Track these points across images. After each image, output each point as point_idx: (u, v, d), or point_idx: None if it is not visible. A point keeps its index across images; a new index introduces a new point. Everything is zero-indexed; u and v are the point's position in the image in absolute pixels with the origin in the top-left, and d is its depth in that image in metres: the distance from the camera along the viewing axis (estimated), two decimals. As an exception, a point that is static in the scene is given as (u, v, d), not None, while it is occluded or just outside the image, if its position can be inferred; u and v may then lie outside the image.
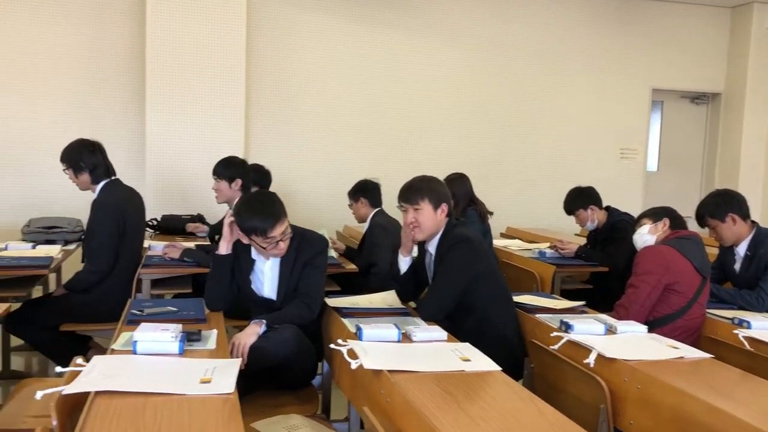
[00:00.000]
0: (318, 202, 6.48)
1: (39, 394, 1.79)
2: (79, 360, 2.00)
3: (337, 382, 2.56)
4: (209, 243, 4.54)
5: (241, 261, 2.80)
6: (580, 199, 4.29)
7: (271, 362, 2.46)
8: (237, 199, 4.01)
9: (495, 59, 6.99)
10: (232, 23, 5.90)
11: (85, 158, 3.56)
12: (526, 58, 7.07)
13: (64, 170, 3.61)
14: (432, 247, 2.82)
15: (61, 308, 3.57)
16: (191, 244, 4.11)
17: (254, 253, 2.78)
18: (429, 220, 2.78)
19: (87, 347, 3.79)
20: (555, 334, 2.49)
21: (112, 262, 3.54)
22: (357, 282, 3.87)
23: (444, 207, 2.79)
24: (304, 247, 2.77)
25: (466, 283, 2.67)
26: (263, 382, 2.64)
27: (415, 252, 2.99)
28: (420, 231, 2.80)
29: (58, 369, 1.98)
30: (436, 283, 2.71)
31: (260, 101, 6.35)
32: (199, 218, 5.16)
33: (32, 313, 3.60)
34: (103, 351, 3.80)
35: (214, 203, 5.12)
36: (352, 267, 3.91)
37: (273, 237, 2.65)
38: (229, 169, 4.12)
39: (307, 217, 5.74)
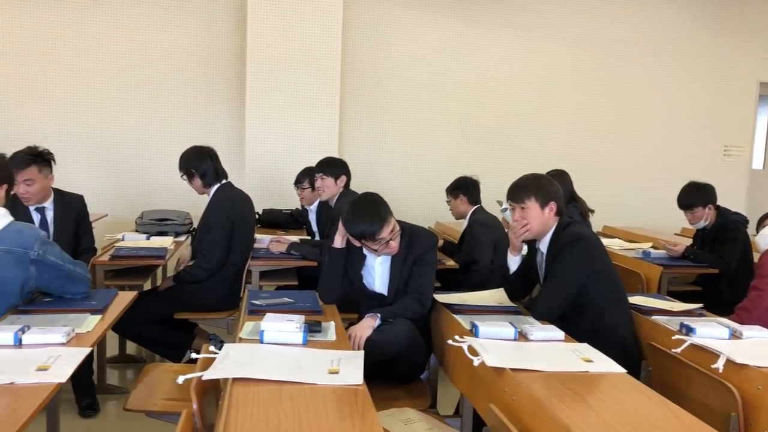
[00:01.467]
0: (410, 199, 6.51)
1: (181, 379, 1.88)
2: (212, 347, 2.08)
3: (450, 378, 2.57)
4: (309, 237, 4.66)
5: (353, 256, 2.85)
6: (700, 195, 4.13)
7: (385, 355, 2.50)
8: (337, 196, 4.13)
9: (589, 55, 6.82)
10: (329, 24, 5.99)
11: (196, 165, 3.74)
12: (620, 54, 6.87)
13: (181, 176, 3.79)
14: (543, 246, 2.78)
15: (171, 300, 3.74)
16: (295, 238, 4.23)
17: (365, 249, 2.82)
18: (536, 219, 2.74)
19: (192, 336, 3.96)
20: (677, 337, 2.42)
21: (222, 260, 3.68)
22: (456, 279, 3.88)
23: (552, 206, 2.75)
24: (414, 243, 2.80)
25: (581, 283, 2.62)
26: (373, 375, 2.68)
27: (524, 250, 2.96)
28: (527, 230, 2.77)
29: (194, 355, 2.07)
30: (550, 282, 2.67)
31: (353, 99, 6.43)
32: (298, 212, 5.28)
33: (139, 308, 3.79)
34: (207, 339, 3.97)
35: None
36: (452, 263, 3.92)
37: (382, 238, 2.69)
38: (334, 167, 4.21)
39: (399, 214, 5.76)
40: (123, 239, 4.15)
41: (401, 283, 2.78)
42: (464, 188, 4.20)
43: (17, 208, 2.53)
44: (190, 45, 6.20)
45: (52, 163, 3.52)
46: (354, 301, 3.00)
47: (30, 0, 5.93)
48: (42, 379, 1.76)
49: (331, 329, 2.38)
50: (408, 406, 2.53)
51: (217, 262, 3.68)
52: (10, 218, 2.46)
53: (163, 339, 3.78)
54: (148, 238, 4.21)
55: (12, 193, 2.69)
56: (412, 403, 2.56)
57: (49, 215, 3.57)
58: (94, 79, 6.07)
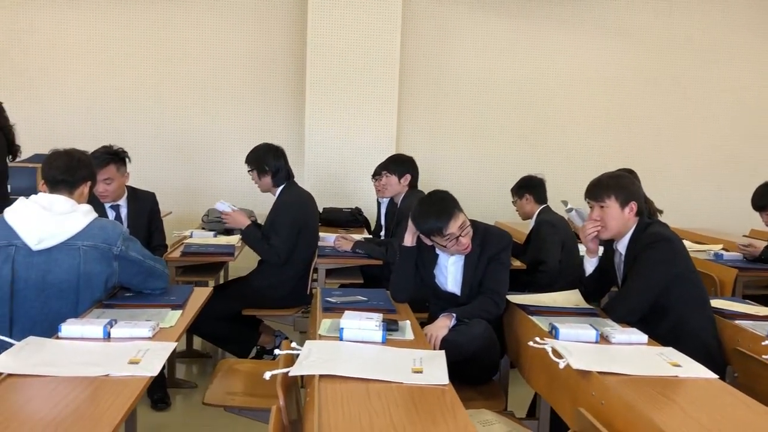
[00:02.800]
0: (468, 199, 6.39)
1: (267, 375, 1.89)
2: (294, 344, 2.10)
3: (527, 380, 2.54)
4: (371, 236, 4.66)
5: (425, 255, 2.83)
6: None
7: (461, 356, 2.47)
8: (403, 194, 4.11)
9: (655, 53, 6.65)
10: (388, 22, 5.99)
11: (269, 162, 3.77)
12: (687, 51, 6.67)
13: (248, 171, 3.82)
14: (622, 247, 2.71)
15: (239, 296, 3.79)
16: (359, 236, 4.23)
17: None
18: (614, 219, 2.67)
19: (258, 332, 4.01)
20: (767, 343, 2.33)
21: (287, 257, 3.71)
22: (522, 279, 3.83)
23: (633, 205, 2.68)
24: (488, 242, 2.77)
25: (663, 285, 2.55)
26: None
27: (601, 251, 2.89)
28: (605, 229, 2.70)
29: (277, 351, 2.09)
30: (630, 284, 2.60)
31: (412, 97, 6.42)
32: (358, 211, 5.30)
33: (209, 304, 3.85)
34: (272, 335, 4.02)
35: (368, 196, 5.27)
36: (518, 264, 3.87)
37: (451, 234, 2.67)
38: (400, 165, 4.21)
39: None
40: (191, 236, 4.23)
41: (475, 283, 2.75)
42: (530, 187, 4.14)
43: (93, 205, 2.59)
44: (251, 45, 6.29)
45: (127, 161, 3.61)
46: (424, 300, 2.99)
47: (101, 3, 6.10)
48: (135, 372, 1.80)
49: (407, 328, 2.37)
50: (483, 407, 2.50)
51: (282, 261, 3.72)
52: (95, 215, 2.52)
53: (231, 335, 3.83)
54: (215, 236, 4.28)
55: None
56: (487, 404, 2.54)
57: (123, 212, 3.66)
58: (161, 79, 6.21)
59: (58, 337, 2.07)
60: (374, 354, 2.07)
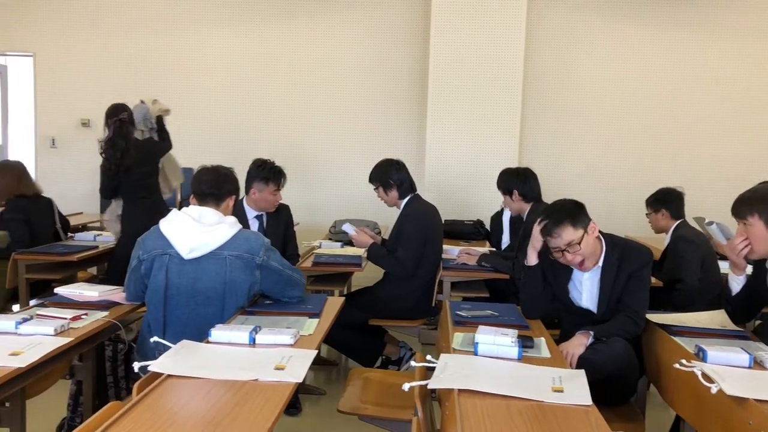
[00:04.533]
0: (593, 212, 6.24)
1: (406, 386, 1.91)
2: (429, 357, 2.11)
3: (671, 404, 2.42)
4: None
5: (558, 269, 2.77)
6: None
7: (598, 375, 2.39)
8: (527, 209, 4.04)
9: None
10: (511, 34, 5.94)
11: (393, 176, 3.84)
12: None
13: (374, 189, 3.92)
14: (775, 266, 2.53)
15: (366, 306, 3.86)
16: (483, 249, 4.20)
17: (571, 261, 2.74)
18: (760, 239, 2.48)
19: (383, 342, 4.06)
20: None
21: (413, 269, 3.75)
22: (658, 297, 3.64)
23: None
24: (627, 258, 2.67)
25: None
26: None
27: (749, 270, 2.71)
28: (751, 249, 2.53)
29: (413, 363, 2.11)
30: (789, 306, 2.42)
31: (534, 106, 6.33)
32: (480, 224, 5.26)
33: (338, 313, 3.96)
34: (397, 346, 4.06)
35: (491, 208, 5.23)
36: (654, 281, 3.69)
37: (556, 246, 2.63)
38: (504, 182, 4.11)
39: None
40: (320, 247, 4.36)
41: (612, 300, 2.66)
42: (667, 201, 3.94)
43: (238, 216, 2.75)
44: (373, 60, 6.44)
45: None
46: (556, 315, 2.92)
47: (228, 25, 6.46)
48: (281, 378, 1.88)
49: (543, 345, 2.33)
50: (622, 430, 2.40)
51: (408, 273, 3.76)
52: (239, 226, 2.66)
53: (357, 344, 3.91)
54: (342, 246, 4.40)
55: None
56: (625, 427, 2.44)
57: (264, 222, 3.85)
58: (289, 95, 6.49)
59: (208, 341, 2.19)
60: (511, 370, 2.05)
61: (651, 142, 6.33)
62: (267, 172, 3.80)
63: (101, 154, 4.14)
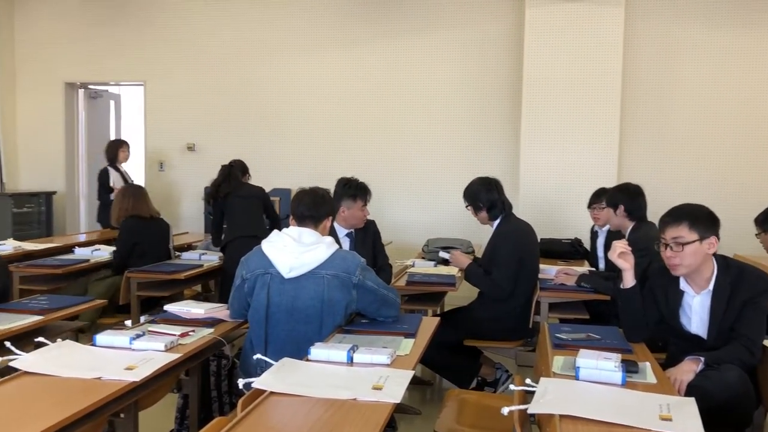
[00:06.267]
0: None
1: (505, 410, 1.88)
2: (528, 380, 2.07)
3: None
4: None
5: (667, 292, 2.65)
6: None
7: (710, 404, 2.26)
8: (630, 227, 3.90)
9: None
10: (608, 48, 5.81)
11: (482, 197, 3.82)
12: None
13: (466, 207, 3.90)
14: None
15: (462, 326, 3.83)
16: (582, 269, 4.09)
17: (683, 284, 2.61)
18: None
19: (478, 363, 4.01)
20: None
21: (510, 289, 3.70)
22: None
23: None
24: (743, 283, 2.51)
25: None
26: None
27: None
28: None
29: (512, 387, 2.07)
30: None
31: (633, 120, 6.13)
32: (578, 242, 5.13)
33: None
34: (492, 367, 4.00)
35: (586, 229, 5.09)
36: None
37: (663, 237, 2.53)
38: (612, 196, 4.00)
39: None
40: (413, 266, 4.38)
41: (724, 327, 2.51)
42: (778, 220, 3.71)
43: (331, 236, 2.82)
44: (465, 77, 6.45)
45: None
46: (661, 339, 2.80)
47: (324, 49, 6.65)
48: (380, 398, 1.89)
49: (648, 370, 2.23)
50: (735, 463, 2.27)
51: (505, 293, 3.71)
52: (336, 246, 2.72)
53: (452, 364, 3.89)
54: (435, 265, 4.39)
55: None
56: (740, 460, 2.29)
57: (354, 239, 3.92)
58: (382, 115, 6.60)
59: (307, 359, 2.24)
60: (615, 396, 1.97)
61: (760, 154, 5.98)
62: (354, 189, 3.86)
63: None
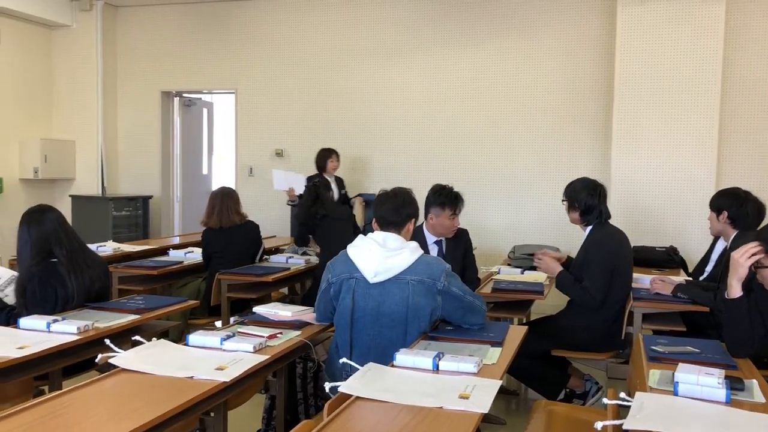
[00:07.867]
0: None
1: (599, 425, 1.80)
2: (622, 394, 1.98)
3: None
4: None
5: (774, 302, 2.48)
6: None
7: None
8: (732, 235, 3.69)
9: None
10: (706, 50, 5.54)
11: (581, 198, 3.68)
12: None
13: (562, 201, 3.79)
14: None
15: (550, 336, 3.72)
16: (679, 278, 3.90)
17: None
18: None
19: (567, 374, 3.88)
20: None
21: (602, 298, 3.56)
22: None
23: None
24: None
25: None
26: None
27: None
28: None
29: (606, 401, 1.99)
30: None
31: (734, 124, 5.79)
32: (673, 250, 4.89)
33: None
34: (581, 379, 3.86)
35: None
36: None
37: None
38: (716, 200, 3.80)
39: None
40: (499, 272, 4.29)
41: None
42: None
43: (418, 241, 2.78)
44: (553, 80, 6.29)
45: None
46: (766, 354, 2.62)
47: (412, 55, 6.66)
48: (467, 407, 1.85)
49: (755, 388, 2.09)
50: None
51: (597, 302, 3.57)
52: (421, 251, 2.69)
53: (540, 374, 3.78)
54: (522, 272, 4.29)
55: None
56: None
57: (443, 247, 3.88)
58: (471, 119, 6.53)
59: (393, 365, 2.23)
60: (719, 415, 1.86)
61: None
62: (444, 198, 3.81)
63: None
